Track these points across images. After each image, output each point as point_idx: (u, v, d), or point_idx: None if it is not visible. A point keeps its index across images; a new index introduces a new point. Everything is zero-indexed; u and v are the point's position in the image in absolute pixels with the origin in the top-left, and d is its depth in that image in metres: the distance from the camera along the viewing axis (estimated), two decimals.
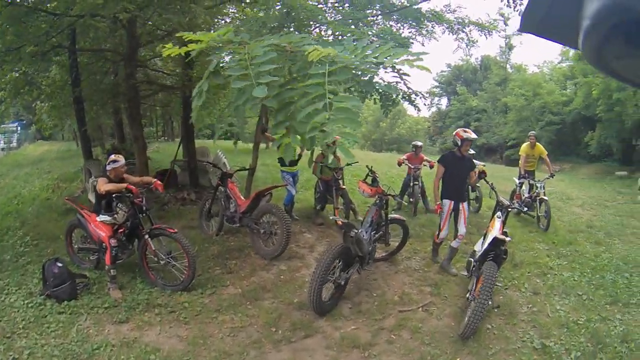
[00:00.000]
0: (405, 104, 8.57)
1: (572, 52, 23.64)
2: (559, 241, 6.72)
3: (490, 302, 3.81)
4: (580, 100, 20.80)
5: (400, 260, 5.59)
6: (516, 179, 8.19)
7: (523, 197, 7.66)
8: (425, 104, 6.83)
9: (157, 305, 4.27)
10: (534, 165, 8.25)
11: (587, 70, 19.94)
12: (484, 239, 4.52)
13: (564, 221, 8.13)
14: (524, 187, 7.88)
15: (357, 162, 7.74)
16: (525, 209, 6.95)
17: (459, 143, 5.05)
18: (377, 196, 4.94)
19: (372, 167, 6.14)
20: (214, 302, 4.41)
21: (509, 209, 4.62)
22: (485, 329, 4.03)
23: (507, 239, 4.13)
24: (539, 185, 7.51)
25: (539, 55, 77.56)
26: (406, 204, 7.59)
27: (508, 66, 34.00)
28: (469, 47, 10.81)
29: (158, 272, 4.70)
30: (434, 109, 37.77)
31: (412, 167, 7.85)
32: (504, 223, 4.45)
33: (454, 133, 5.26)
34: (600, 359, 3.76)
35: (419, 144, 8.37)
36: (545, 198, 7.27)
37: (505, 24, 28.28)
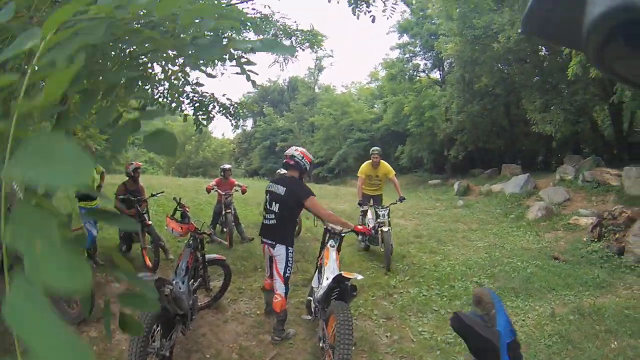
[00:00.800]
0: (214, 125, 7.45)
1: (382, 73, 26.58)
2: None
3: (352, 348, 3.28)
4: (390, 117, 23.02)
5: (226, 304, 4.82)
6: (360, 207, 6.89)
7: (369, 227, 6.40)
8: (243, 117, 5.68)
9: None
10: (381, 189, 6.93)
11: (397, 90, 22.67)
12: (319, 273, 4.01)
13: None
14: (368, 214, 6.64)
15: (163, 192, 6.72)
16: (360, 237, 6.10)
17: (308, 167, 4.04)
18: (189, 235, 4.03)
19: (180, 199, 5.03)
20: None
21: (342, 235, 4.14)
22: None
23: (358, 277, 3.58)
24: (381, 213, 6.28)
25: (347, 76, 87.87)
26: (224, 242, 5.98)
27: (316, 87, 35.93)
28: (286, 61, 10.41)
29: None
30: (239, 131, 36.55)
31: (223, 193, 6.89)
32: (338, 251, 4.07)
33: (296, 155, 3.97)
34: None
35: (227, 166, 7.44)
36: (386, 230, 6.04)
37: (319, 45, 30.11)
